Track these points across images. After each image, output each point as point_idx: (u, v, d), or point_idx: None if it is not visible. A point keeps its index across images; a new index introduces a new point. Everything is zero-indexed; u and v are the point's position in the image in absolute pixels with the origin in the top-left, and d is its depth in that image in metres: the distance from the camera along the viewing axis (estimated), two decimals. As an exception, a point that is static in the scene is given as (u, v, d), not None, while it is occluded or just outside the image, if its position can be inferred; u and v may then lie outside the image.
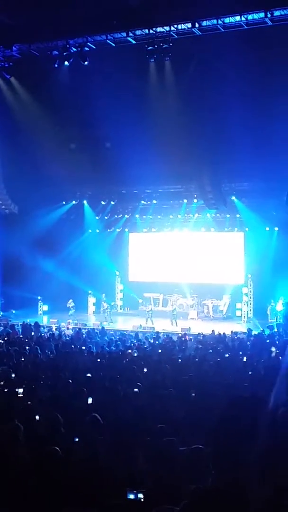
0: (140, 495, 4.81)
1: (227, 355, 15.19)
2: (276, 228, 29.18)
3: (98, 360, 14.13)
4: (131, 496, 4.82)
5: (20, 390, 9.77)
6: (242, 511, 3.37)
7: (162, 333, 22.26)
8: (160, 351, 16.72)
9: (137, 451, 6.33)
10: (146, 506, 4.60)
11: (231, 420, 3.74)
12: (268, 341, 18.70)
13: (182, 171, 26.86)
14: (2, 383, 10.32)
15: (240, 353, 15.78)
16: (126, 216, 32.65)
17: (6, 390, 9.88)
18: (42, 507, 4.95)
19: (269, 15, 19.14)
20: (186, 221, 31.66)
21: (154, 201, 31.26)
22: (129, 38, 21.38)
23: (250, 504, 3.37)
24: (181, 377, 11.12)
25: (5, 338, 18.87)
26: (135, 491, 4.82)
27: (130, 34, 21.19)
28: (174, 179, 29.04)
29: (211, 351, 15.94)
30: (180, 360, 14.34)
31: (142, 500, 4.81)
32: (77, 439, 6.64)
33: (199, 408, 8.33)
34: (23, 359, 14.17)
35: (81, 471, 5.51)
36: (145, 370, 12.52)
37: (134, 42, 21.49)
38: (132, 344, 18.27)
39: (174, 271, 31.72)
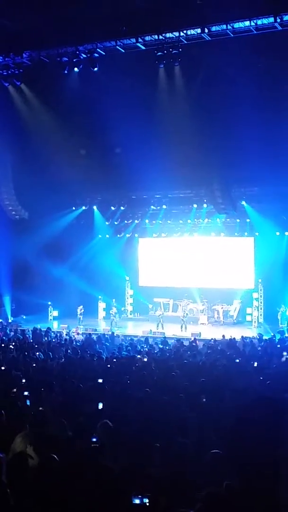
0: (146, 500, 4.71)
1: (238, 360, 15.12)
2: (287, 233, 29.07)
3: (108, 365, 14.12)
4: (137, 501, 4.71)
5: (31, 396, 9.76)
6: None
7: (173, 339, 22.15)
8: (170, 356, 16.68)
9: (149, 456, 6.30)
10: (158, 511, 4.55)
11: (249, 423, 3.71)
12: (279, 346, 18.62)
13: (191, 176, 26.83)
14: (15, 390, 10.29)
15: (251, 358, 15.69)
16: (136, 221, 32.64)
17: (16, 395, 9.87)
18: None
19: (278, 20, 19.09)
20: (196, 226, 31.58)
21: (164, 206, 31.21)
22: (138, 44, 21.41)
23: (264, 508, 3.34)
24: (191, 382, 11.07)
25: (14, 343, 18.91)
26: (140, 496, 4.71)
27: (140, 39, 21.21)
28: (184, 184, 29.01)
29: (219, 356, 15.87)
30: (190, 365, 14.28)
31: (148, 504, 4.71)
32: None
33: (210, 413, 8.28)
34: (34, 364, 14.18)
35: (91, 477, 5.48)
36: (155, 375, 12.49)
37: (143, 47, 21.53)
38: (142, 350, 18.24)
39: (184, 276, 31.67)
